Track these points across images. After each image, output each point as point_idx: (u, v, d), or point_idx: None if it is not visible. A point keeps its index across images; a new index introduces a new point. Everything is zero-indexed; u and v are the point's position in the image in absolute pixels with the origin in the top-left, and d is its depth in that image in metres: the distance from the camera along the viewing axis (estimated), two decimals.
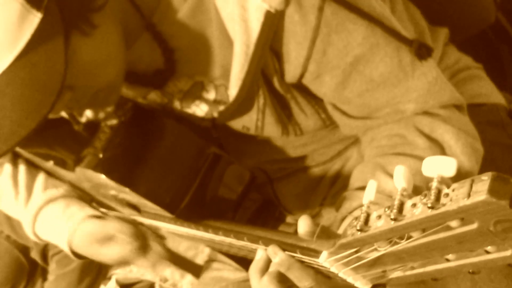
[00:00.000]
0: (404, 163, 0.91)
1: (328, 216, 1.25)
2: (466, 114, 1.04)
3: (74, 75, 0.83)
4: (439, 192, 0.59)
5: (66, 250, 1.20)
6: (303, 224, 0.83)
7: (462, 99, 1.03)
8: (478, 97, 1.25)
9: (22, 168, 1.26)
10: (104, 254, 1.13)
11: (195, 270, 1.29)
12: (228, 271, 1.29)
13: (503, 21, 1.49)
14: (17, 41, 0.77)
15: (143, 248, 1.13)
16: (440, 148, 0.96)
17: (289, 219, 1.30)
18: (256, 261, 0.85)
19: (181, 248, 1.26)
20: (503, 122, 1.26)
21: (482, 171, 1.00)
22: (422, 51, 0.97)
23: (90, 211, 1.19)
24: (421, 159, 0.92)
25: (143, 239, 1.13)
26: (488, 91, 1.27)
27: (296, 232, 1.26)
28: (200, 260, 1.28)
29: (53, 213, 1.21)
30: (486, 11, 1.39)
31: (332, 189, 1.22)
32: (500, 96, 1.29)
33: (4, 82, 0.77)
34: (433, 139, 0.97)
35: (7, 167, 1.26)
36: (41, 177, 1.26)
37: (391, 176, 0.93)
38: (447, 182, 0.60)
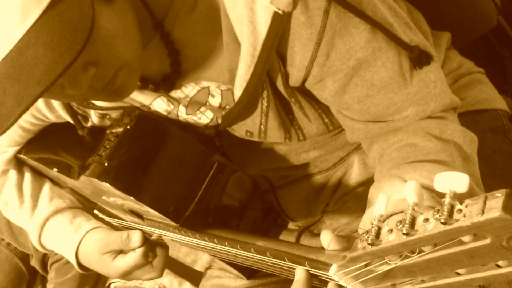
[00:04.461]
0: (421, 168, 0.91)
1: (330, 222, 1.25)
2: (457, 114, 1.05)
3: (96, 47, 0.83)
4: (452, 207, 0.59)
5: (73, 262, 1.20)
6: (332, 242, 0.81)
7: (459, 101, 1.03)
8: (481, 103, 1.25)
9: (27, 176, 1.26)
10: (110, 266, 1.13)
11: (194, 277, 1.29)
12: (228, 278, 1.29)
13: (504, 25, 1.49)
14: None
15: (148, 260, 1.13)
16: (454, 147, 0.96)
17: (291, 225, 1.30)
18: (296, 281, 0.84)
19: (181, 254, 1.26)
20: (504, 128, 1.26)
21: (484, 179, 1.00)
22: (421, 58, 0.97)
23: (96, 222, 1.19)
24: (437, 162, 0.92)
25: (151, 251, 1.13)
26: (490, 96, 1.27)
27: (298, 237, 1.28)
28: (199, 266, 1.28)
29: (59, 224, 1.22)
30: (487, 15, 1.39)
31: (334, 196, 1.22)
32: (502, 101, 1.29)
33: (33, 34, 0.78)
34: (445, 139, 0.96)
35: (12, 175, 1.26)
36: (46, 186, 1.26)
37: None
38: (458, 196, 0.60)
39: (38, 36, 0.78)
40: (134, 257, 1.10)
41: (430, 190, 0.83)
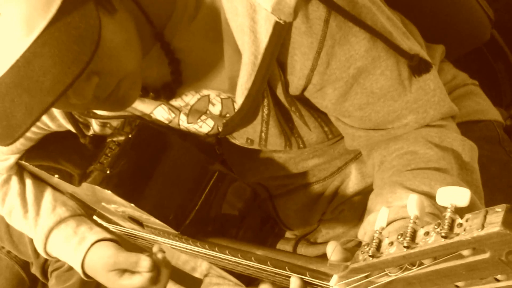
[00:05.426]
0: (422, 176, 0.92)
1: (326, 231, 1.26)
2: (455, 122, 1.06)
3: (99, 58, 0.83)
4: (452, 221, 0.60)
5: (79, 272, 1.22)
6: (335, 252, 0.81)
7: (457, 110, 1.05)
8: (475, 113, 1.27)
9: (28, 183, 1.27)
10: (116, 283, 1.15)
11: (194, 284, 1.30)
12: (228, 286, 1.29)
13: (498, 38, 1.51)
14: (49, 7, 0.79)
15: (156, 278, 1.15)
16: (453, 156, 0.97)
17: (288, 234, 1.30)
18: None
19: (180, 262, 1.27)
20: (499, 138, 1.27)
21: None
22: (421, 66, 0.98)
23: (99, 231, 1.21)
24: (437, 169, 0.93)
25: (158, 268, 1.15)
26: (485, 107, 1.29)
27: (295, 246, 1.29)
28: (198, 274, 1.29)
29: (64, 235, 1.24)
30: (481, 28, 1.41)
31: (330, 205, 1.23)
32: (496, 112, 1.31)
33: (40, 45, 0.79)
34: (445, 147, 0.98)
35: (14, 183, 1.26)
36: (49, 194, 1.27)
37: (413, 190, 0.92)
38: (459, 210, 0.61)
39: (45, 46, 0.79)
40: (141, 279, 1.13)
41: (430, 197, 0.84)
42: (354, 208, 1.21)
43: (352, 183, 1.19)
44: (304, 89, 0.99)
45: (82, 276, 1.22)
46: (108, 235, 1.22)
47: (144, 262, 1.11)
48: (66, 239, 1.23)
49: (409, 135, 1.01)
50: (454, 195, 0.62)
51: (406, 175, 0.95)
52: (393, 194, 0.91)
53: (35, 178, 1.28)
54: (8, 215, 1.29)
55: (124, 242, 1.21)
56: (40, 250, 1.27)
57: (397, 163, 0.99)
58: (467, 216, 0.60)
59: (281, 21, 0.90)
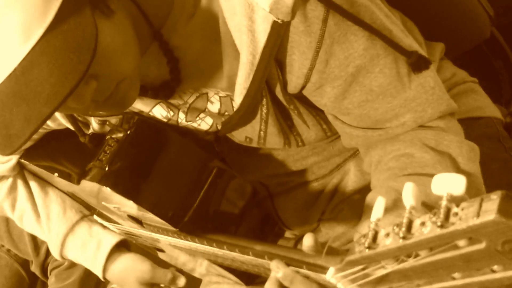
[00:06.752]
0: (417, 182, 0.90)
1: (326, 231, 1.26)
2: (456, 118, 1.06)
3: (97, 62, 0.83)
4: (448, 210, 0.60)
5: (99, 275, 1.28)
6: (308, 240, 0.84)
7: (456, 106, 1.05)
8: (475, 110, 1.27)
9: (33, 186, 1.29)
10: None
11: (193, 283, 1.30)
12: (227, 284, 1.30)
13: (497, 36, 1.51)
14: (45, 14, 0.79)
15: None
16: (449, 159, 0.97)
17: (287, 234, 1.30)
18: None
19: (179, 262, 1.27)
20: (499, 135, 1.27)
21: None
22: (420, 63, 0.98)
23: (111, 233, 1.26)
24: (433, 176, 0.94)
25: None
26: (484, 105, 1.29)
27: (295, 246, 1.29)
28: (197, 274, 1.29)
29: (79, 239, 1.29)
30: (481, 26, 1.41)
31: (330, 203, 1.23)
32: (496, 109, 1.31)
33: (37, 53, 0.79)
34: (441, 151, 0.98)
35: (21, 189, 1.29)
36: (54, 195, 1.30)
37: None
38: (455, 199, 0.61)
39: (43, 55, 0.79)
40: None
41: (426, 206, 0.84)
42: (354, 207, 1.20)
43: (351, 180, 1.19)
44: (303, 87, 0.99)
45: (101, 278, 1.27)
46: (119, 237, 1.27)
47: (181, 280, 1.23)
48: (82, 243, 1.28)
49: (406, 137, 1.01)
50: (449, 183, 0.62)
51: (402, 181, 0.95)
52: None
53: (38, 178, 1.29)
54: (20, 220, 1.32)
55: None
56: (56, 255, 1.32)
57: (394, 165, 0.99)
58: (463, 204, 0.59)
59: (279, 21, 0.91)
